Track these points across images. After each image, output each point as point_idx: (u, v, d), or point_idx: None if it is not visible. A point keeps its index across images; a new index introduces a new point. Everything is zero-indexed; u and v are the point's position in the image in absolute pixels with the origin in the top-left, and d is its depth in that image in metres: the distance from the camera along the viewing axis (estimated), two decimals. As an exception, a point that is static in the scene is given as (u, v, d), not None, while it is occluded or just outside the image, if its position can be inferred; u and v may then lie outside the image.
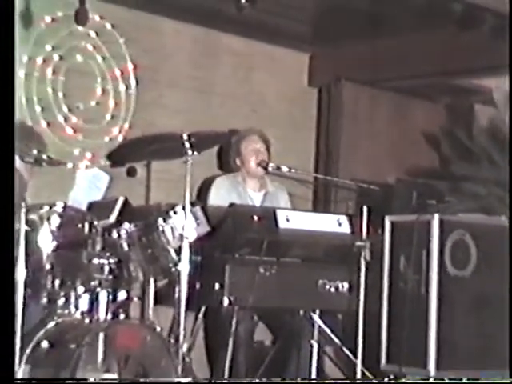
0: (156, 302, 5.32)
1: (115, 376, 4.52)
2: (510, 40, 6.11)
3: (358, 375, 5.19)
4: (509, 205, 6.07)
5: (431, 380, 5.21)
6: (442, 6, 6.20)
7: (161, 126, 6.31)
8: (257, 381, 5.31)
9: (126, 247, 4.83)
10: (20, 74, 6.15)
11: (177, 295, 4.75)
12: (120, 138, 6.56)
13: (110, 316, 4.60)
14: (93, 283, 4.63)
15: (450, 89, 8.10)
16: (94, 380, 4.34)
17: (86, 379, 4.30)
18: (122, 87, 6.60)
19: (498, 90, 6.82)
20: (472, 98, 8.10)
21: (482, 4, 6.28)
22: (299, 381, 5.61)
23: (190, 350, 5.56)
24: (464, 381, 5.31)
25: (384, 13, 6.50)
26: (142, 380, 4.52)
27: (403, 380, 5.26)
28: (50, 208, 4.64)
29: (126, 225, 4.85)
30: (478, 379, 5.35)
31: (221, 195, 5.81)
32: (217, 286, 5.21)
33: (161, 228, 4.86)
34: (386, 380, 5.34)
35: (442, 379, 5.25)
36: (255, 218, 5.23)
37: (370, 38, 7.25)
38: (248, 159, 5.96)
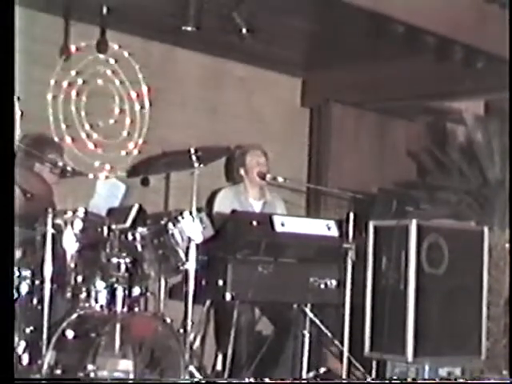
0: (170, 297, 5.32)
1: (131, 361, 4.49)
2: (510, 43, 6.07)
3: (344, 361, 5.16)
4: (509, 207, 6.04)
5: (437, 380, 5.18)
6: (418, 38, 6.20)
7: (171, 141, 6.24)
8: (256, 381, 5.28)
9: (140, 248, 4.80)
10: (48, 96, 6.14)
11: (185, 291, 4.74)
12: (135, 152, 6.53)
13: (126, 309, 4.54)
14: (111, 280, 4.58)
15: (426, 110, 8.09)
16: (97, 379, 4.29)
17: (85, 379, 4.25)
18: (137, 107, 6.57)
19: (468, 112, 6.81)
20: (445, 118, 8.08)
21: (452, 37, 6.28)
22: (299, 381, 5.57)
23: (202, 339, 5.56)
24: (465, 380, 5.28)
25: (368, 43, 6.48)
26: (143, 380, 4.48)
27: (408, 380, 5.22)
28: (74, 213, 4.60)
29: (140, 228, 4.82)
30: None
31: (224, 205, 5.79)
32: (220, 282, 5.17)
33: (171, 231, 4.83)
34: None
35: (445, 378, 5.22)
36: (254, 222, 5.20)
37: (355, 64, 7.25)
38: (251, 171, 5.97)
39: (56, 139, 6.01)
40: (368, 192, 6.69)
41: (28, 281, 4.50)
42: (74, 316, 4.48)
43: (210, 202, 6.05)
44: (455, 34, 6.25)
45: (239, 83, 7.33)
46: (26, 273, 4.50)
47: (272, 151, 6.16)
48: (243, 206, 5.83)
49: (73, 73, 6.27)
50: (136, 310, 4.64)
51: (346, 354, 5.16)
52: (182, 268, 4.83)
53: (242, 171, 6.02)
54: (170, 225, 4.84)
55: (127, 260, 4.64)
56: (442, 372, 5.28)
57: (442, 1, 6.08)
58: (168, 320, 4.59)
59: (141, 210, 4.97)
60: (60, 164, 5.08)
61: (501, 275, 6.07)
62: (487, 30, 6.27)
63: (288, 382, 5.45)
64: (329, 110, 7.73)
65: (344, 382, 5.20)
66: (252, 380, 5.14)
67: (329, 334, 5.50)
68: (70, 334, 4.37)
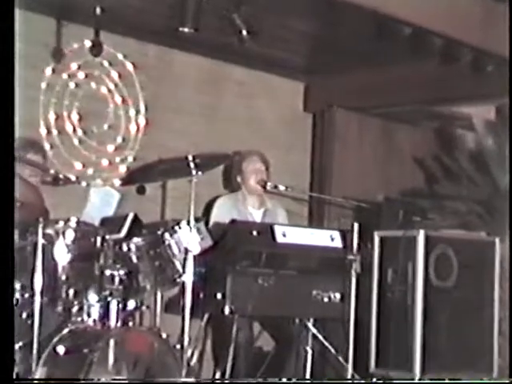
0: (166, 311, 5.30)
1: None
2: (510, 44, 6.04)
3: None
4: (509, 213, 6.00)
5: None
6: (424, 40, 6.17)
7: (168, 147, 6.21)
8: (257, 380, 5.24)
9: (135, 259, 4.77)
10: (39, 99, 6.09)
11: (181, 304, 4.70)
12: (130, 159, 6.50)
13: (120, 323, 4.51)
14: (104, 293, 4.56)
15: (433, 115, 8.08)
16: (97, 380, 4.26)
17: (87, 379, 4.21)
18: (132, 112, 6.54)
19: (477, 117, 6.78)
20: (453, 123, 8.06)
21: (460, 39, 6.25)
22: (299, 381, 5.52)
23: (200, 355, 5.52)
24: (466, 381, 5.25)
25: (372, 46, 6.46)
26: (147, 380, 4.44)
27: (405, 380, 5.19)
28: (65, 223, 4.58)
29: (136, 239, 4.80)
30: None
31: (222, 214, 5.76)
32: (219, 295, 5.14)
33: (167, 242, 4.81)
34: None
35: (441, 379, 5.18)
36: (254, 232, 5.18)
37: (359, 69, 7.26)
38: (248, 177, 5.92)
39: (46, 145, 5.97)
40: (373, 201, 6.68)
41: (17, 294, 4.44)
42: (66, 331, 4.45)
43: (207, 210, 6.01)
44: (463, 35, 6.24)
45: (239, 87, 7.33)
46: (16, 285, 4.44)
47: (273, 158, 6.13)
48: (242, 215, 5.80)
49: (65, 76, 6.23)
50: (131, 324, 4.60)
51: (350, 370, 5.13)
52: (178, 280, 4.80)
53: (239, 178, 5.99)
54: (167, 235, 4.82)
55: (122, 272, 4.61)
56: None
57: (449, 1, 6.05)
58: (164, 335, 4.55)
59: (136, 219, 4.96)
60: (52, 172, 5.05)
61: (512, 288, 6.03)
62: (497, 31, 6.24)
63: (287, 382, 5.43)
64: (332, 115, 7.75)
65: (344, 381, 5.15)
66: (251, 380, 5.15)
67: (332, 350, 5.46)
68: (61, 349, 4.34)
